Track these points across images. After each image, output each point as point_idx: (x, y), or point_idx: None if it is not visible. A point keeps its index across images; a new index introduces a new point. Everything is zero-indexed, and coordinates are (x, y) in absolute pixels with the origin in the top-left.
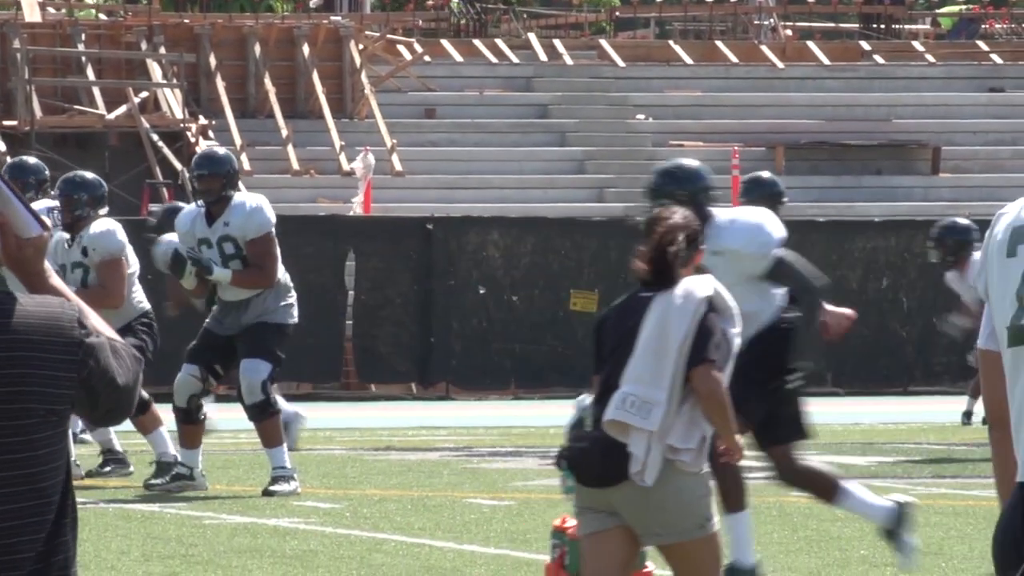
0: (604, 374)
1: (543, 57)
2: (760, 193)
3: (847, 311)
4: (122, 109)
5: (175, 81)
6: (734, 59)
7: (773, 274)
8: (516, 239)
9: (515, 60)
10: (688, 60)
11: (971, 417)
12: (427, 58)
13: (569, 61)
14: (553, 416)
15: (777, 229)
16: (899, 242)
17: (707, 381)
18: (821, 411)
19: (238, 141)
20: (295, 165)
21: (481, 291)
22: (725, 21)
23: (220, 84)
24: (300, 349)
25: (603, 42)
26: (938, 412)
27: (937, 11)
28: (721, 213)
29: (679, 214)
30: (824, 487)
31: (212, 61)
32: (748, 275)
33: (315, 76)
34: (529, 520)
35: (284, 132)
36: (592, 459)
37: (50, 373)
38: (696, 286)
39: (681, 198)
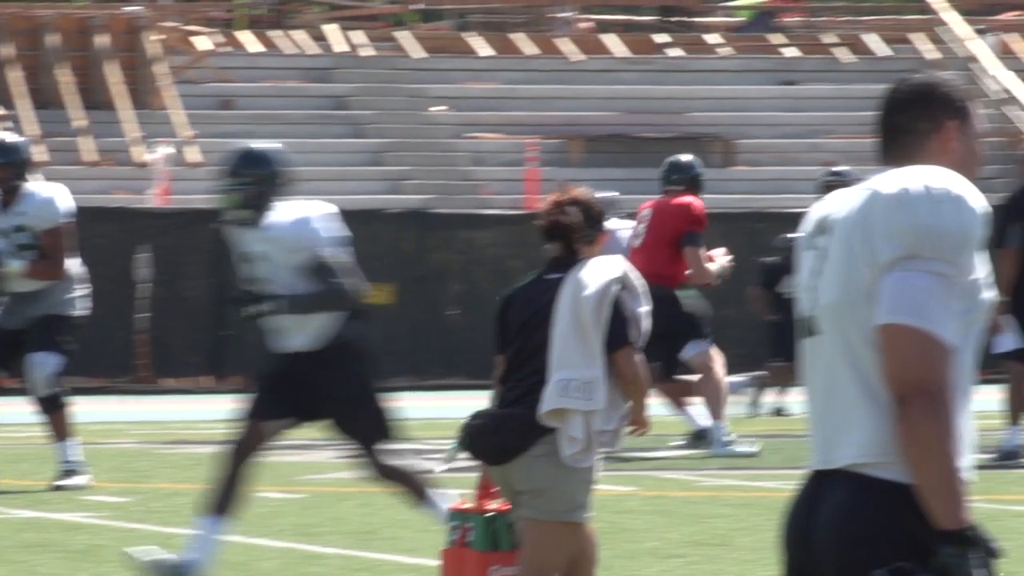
0: (510, 353)
1: (341, 48)
2: (682, 176)
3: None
4: None
5: None
6: (532, 51)
7: (314, 270)
8: None
9: (313, 51)
10: (486, 52)
11: (757, 408)
12: (224, 49)
13: (366, 53)
14: None
15: (330, 227)
16: None
17: (630, 364)
18: None
19: (33, 131)
20: (91, 156)
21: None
22: (523, 13)
23: (14, 74)
24: (92, 342)
25: (400, 33)
26: (728, 403)
27: (733, 4)
28: (284, 204)
29: (580, 189)
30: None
31: (6, 51)
32: (296, 264)
33: (111, 67)
34: (319, 513)
35: (79, 122)
36: (488, 435)
37: None
38: (604, 267)
39: (257, 178)
